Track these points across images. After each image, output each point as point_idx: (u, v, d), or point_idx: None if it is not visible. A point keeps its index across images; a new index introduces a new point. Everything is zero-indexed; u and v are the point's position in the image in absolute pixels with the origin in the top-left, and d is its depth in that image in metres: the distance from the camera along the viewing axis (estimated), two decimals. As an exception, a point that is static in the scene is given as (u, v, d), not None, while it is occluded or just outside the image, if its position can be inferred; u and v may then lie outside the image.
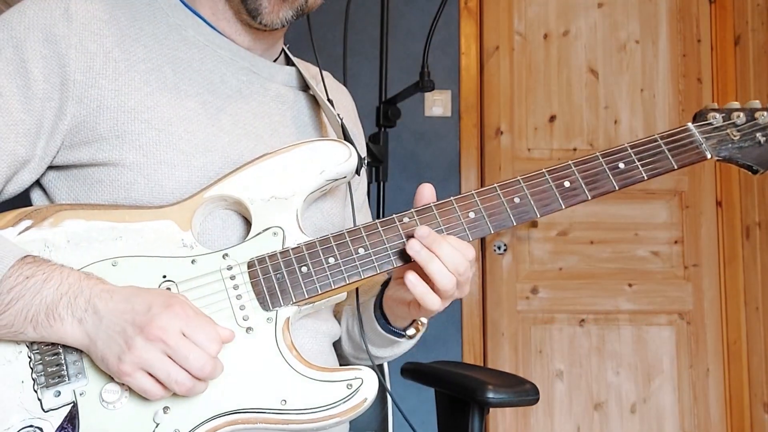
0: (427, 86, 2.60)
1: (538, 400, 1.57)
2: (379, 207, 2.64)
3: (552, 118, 3.72)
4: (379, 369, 1.66)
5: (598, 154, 1.23)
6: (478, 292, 3.59)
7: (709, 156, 1.26)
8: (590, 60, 3.77)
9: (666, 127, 3.62)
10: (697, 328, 3.64)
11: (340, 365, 1.38)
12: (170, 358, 1.00)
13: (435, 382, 1.73)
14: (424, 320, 1.32)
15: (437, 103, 3.66)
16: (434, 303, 1.15)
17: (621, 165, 1.23)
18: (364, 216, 1.51)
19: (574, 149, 3.70)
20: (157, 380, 1.00)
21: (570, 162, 1.22)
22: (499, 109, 3.71)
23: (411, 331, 1.32)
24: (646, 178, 1.23)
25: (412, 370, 1.81)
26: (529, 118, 3.72)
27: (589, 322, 3.62)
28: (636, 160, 1.23)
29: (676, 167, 1.25)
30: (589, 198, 1.21)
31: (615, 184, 1.22)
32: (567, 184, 1.21)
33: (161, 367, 0.99)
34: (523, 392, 1.56)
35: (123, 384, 1.03)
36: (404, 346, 1.38)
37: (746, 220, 3.58)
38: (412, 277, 1.13)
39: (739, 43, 3.67)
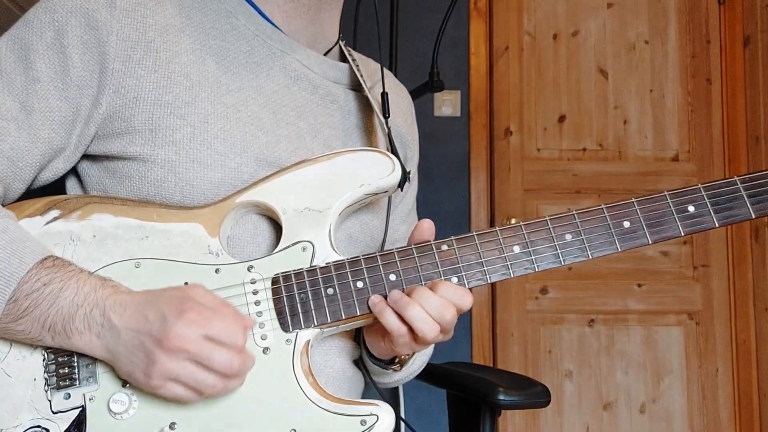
0: (436, 86, 2.60)
1: (549, 402, 1.56)
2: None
3: (561, 118, 3.72)
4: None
5: (666, 193, 1.12)
6: (488, 292, 3.59)
7: None
8: (599, 60, 3.77)
9: (675, 127, 3.69)
10: (707, 328, 3.64)
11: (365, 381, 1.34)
12: (196, 363, 0.97)
13: (446, 384, 1.73)
14: None
15: (447, 103, 3.66)
16: (411, 347, 1.09)
17: (691, 208, 1.12)
18: (409, 226, 1.41)
19: (584, 149, 3.70)
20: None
21: (633, 200, 1.12)
22: (509, 109, 3.71)
23: (395, 365, 1.26)
24: (717, 225, 1.12)
25: (423, 371, 1.81)
26: (539, 119, 3.72)
27: (599, 322, 3.62)
28: (708, 204, 1.13)
29: (754, 216, 1.13)
30: (650, 242, 1.11)
31: (681, 229, 1.12)
32: (626, 224, 1.11)
33: (188, 376, 0.97)
34: (535, 395, 1.55)
35: (132, 395, 1.02)
36: (396, 376, 1.32)
37: (755, 221, 3.57)
38: (389, 316, 1.06)
39: (749, 44, 3.67)
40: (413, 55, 3.42)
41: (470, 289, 1.10)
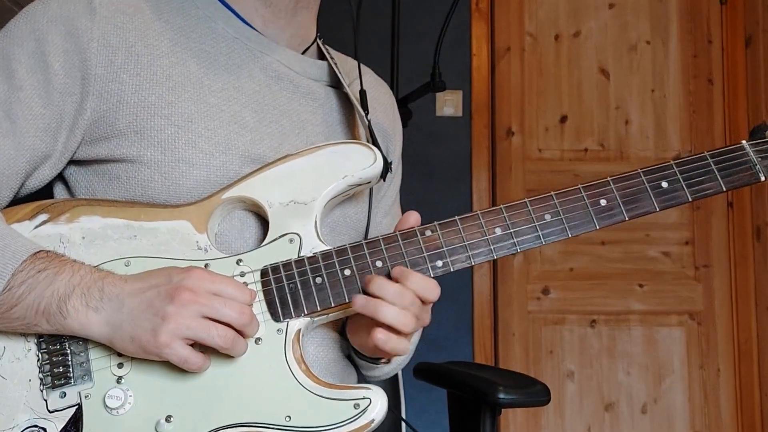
0: (438, 86, 2.61)
1: (549, 400, 1.56)
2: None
3: (563, 119, 3.72)
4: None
5: (639, 171, 1.15)
6: (489, 292, 3.59)
7: (763, 178, 1.15)
8: (601, 60, 3.76)
9: (676, 128, 3.70)
10: (708, 329, 3.64)
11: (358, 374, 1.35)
12: (206, 319, 0.99)
13: (447, 383, 1.73)
14: None
15: (448, 104, 3.66)
16: (404, 348, 1.08)
17: (664, 184, 1.15)
18: (393, 218, 1.43)
19: (585, 150, 3.70)
20: (198, 343, 1.00)
21: (609, 179, 1.15)
22: (510, 110, 3.71)
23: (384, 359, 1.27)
24: (690, 199, 1.15)
25: (424, 371, 1.82)
26: (540, 119, 3.72)
27: (600, 322, 3.62)
28: (681, 180, 1.15)
29: (725, 189, 1.15)
30: (626, 219, 1.14)
31: (656, 205, 1.15)
32: (603, 202, 1.14)
33: (200, 327, 0.98)
34: (535, 393, 1.56)
35: (127, 390, 1.03)
36: (386, 368, 1.33)
37: (757, 220, 3.57)
38: (381, 335, 1.06)
39: (750, 43, 3.67)
40: (415, 55, 3.43)
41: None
